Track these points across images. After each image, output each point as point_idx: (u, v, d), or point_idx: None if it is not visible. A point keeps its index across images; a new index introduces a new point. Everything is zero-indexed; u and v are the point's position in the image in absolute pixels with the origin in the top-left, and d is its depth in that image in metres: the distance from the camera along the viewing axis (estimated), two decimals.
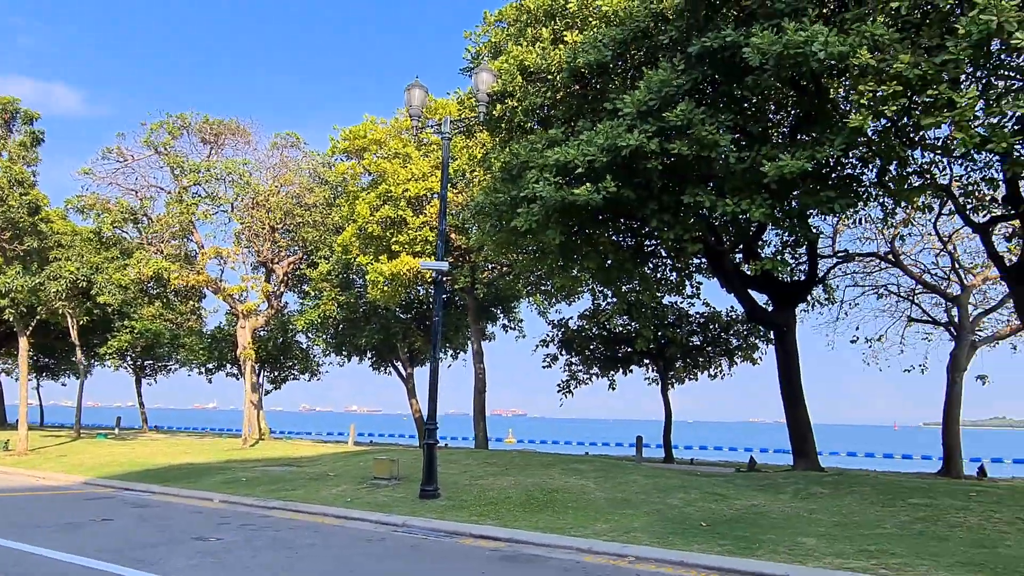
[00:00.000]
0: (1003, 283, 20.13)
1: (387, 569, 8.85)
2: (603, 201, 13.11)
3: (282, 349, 34.02)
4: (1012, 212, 15.29)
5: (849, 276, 23.97)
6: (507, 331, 30.64)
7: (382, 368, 33.13)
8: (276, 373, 35.99)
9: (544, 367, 26.28)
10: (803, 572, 8.54)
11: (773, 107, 16.75)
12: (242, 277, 26.33)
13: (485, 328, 29.52)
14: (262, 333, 31.21)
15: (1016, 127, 11.61)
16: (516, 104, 15.31)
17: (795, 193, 13.31)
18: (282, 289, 28.77)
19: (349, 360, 32.91)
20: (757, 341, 24.11)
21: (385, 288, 22.12)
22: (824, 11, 13.30)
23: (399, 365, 32.07)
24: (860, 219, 18.06)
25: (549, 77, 14.87)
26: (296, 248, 28.15)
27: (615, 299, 22.53)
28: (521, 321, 30.31)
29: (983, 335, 22.97)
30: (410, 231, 21.89)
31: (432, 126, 18.67)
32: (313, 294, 29.21)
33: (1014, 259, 17.35)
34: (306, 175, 27.18)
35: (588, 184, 12.97)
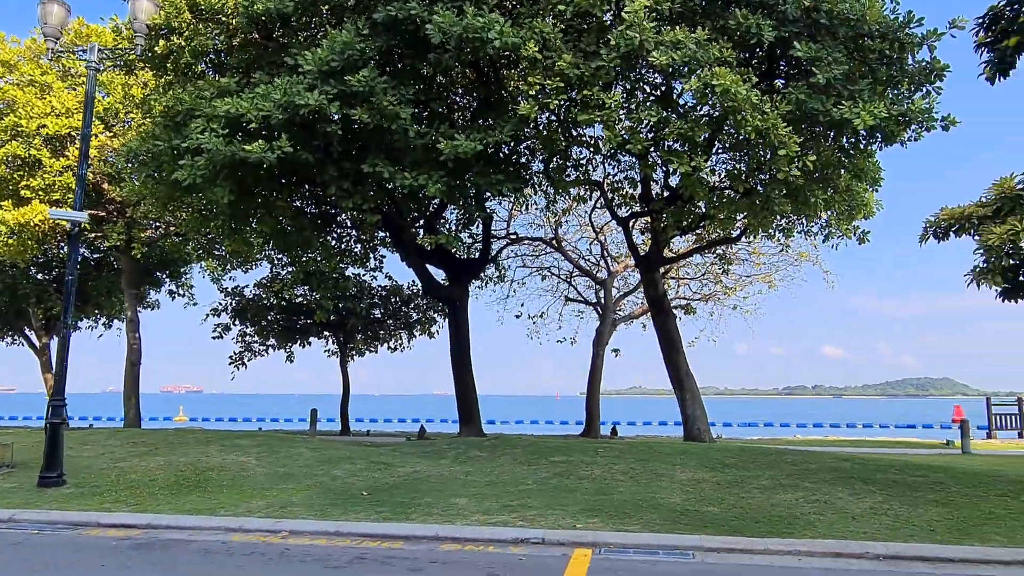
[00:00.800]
0: (637, 270, 23.52)
1: None
2: (278, 161, 12.37)
3: None
4: (646, 209, 17.88)
5: (519, 258, 26.16)
6: (175, 298, 27.72)
7: (8, 337, 27.79)
8: None
9: (214, 337, 24.36)
10: (451, 530, 8.97)
11: (461, 91, 17.37)
12: None
13: (146, 294, 26.40)
14: None
15: (650, 134, 13.48)
16: (184, 43, 13.70)
17: (470, 173, 13.91)
18: None
19: None
20: (435, 315, 25.06)
21: (10, 241, 18.41)
22: (504, 2, 14.06)
23: (31, 334, 27.17)
24: (529, 205, 19.65)
25: (224, 19, 13.56)
26: None
27: (295, 267, 21.68)
28: (191, 287, 27.65)
29: (622, 314, 26.72)
30: (47, 175, 18.48)
31: (80, 52, 15.89)
32: None
33: (647, 250, 20.40)
34: None
35: (262, 141, 12.11)
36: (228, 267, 24.48)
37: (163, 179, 13.83)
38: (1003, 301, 11.29)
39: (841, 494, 10.45)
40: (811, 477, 11.43)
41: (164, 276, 26.36)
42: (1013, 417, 27.04)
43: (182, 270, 27.00)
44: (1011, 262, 9.70)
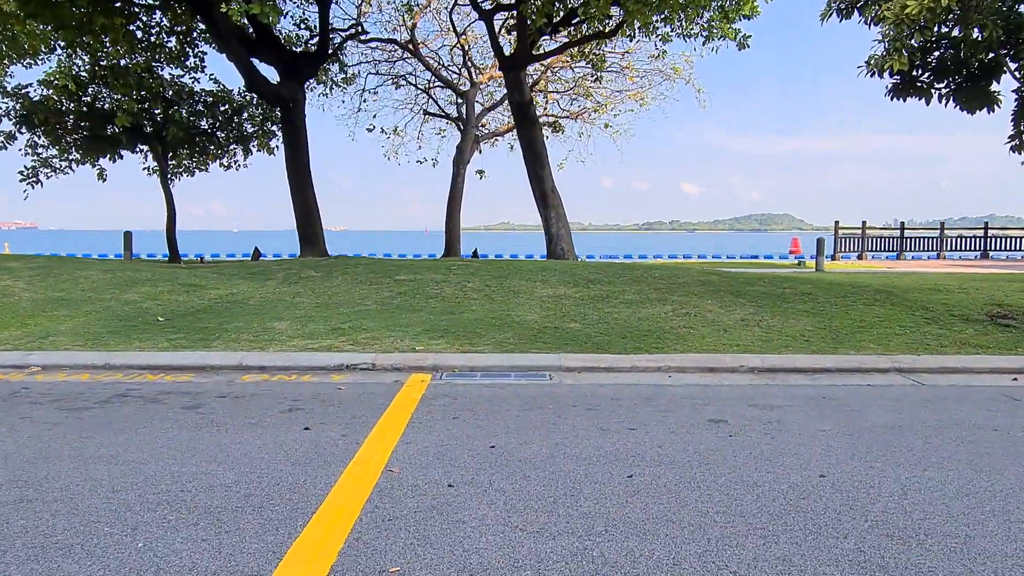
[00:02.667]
0: (503, 82, 21.23)
1: None
2: None
3: None
4: (512, 2, 15.40)
5: (371, 63, 22.94)
6: None
7: None
8: None
9: None
10: (259, 358, 7.23)
11: None
12: None
13: None
14: None
15: None
16: None
17: None
18: None
19: None
20: (275, 127, 21.81)
21: None
22: None
23: None
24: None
25: None
26: None
27: (90, 60, 17.68)
28: None
29: (485, 131, 24.61)
30: None
31: None
32: None
33: (513, 51, 18.06)
34: None
35: None
36: (4, 62, 19.76)
37: None
38: (892, 99, 10.32)
39: (711, 307, 9.58)
40: (679, 291, 10.51)
41: None
42: (856, 240, 28.35)
43: None
44: (918, 42, 8.45)
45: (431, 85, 23.82)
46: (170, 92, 19.74)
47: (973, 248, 29.26)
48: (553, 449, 4.41)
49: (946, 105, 10.04)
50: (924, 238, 29.13)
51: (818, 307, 9.67)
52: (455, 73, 23.69)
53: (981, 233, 29.40)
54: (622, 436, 4.71)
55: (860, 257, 28.01)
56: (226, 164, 22.82)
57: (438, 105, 24.51)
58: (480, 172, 24.56)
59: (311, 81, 19.17)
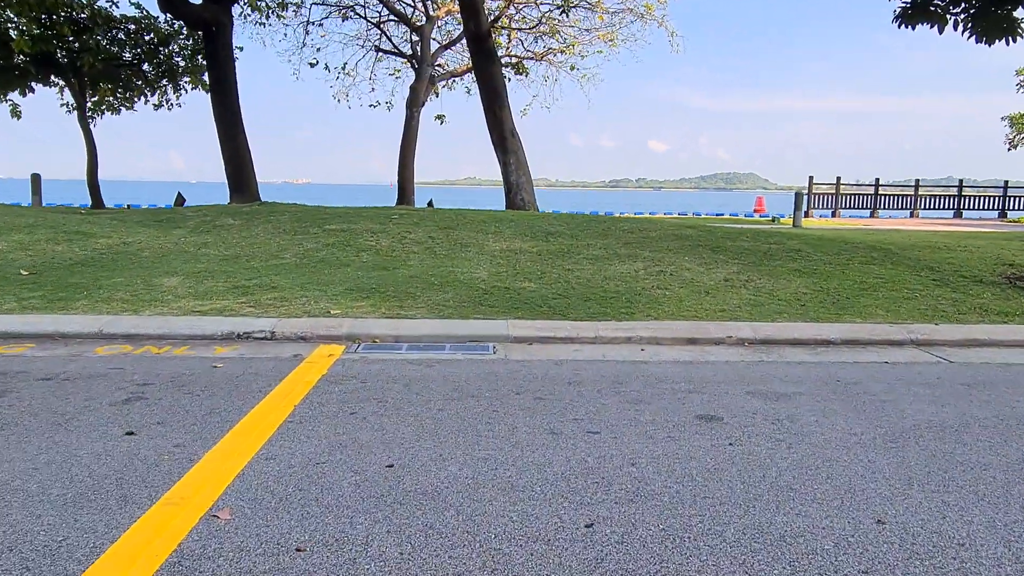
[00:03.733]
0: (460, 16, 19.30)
1: None
2: None
3: None
4: None
5: None
6: None
7: None
8: None
9: None
10: (127, 324, 5.71)
11: None
12: None
13: None
14: None
15: None
16: None
17: None
18: None
19: None
20: (206, 62, 19.60)
21: None
22: None
23: None
24: None
25: None
26: None
27: None
28: None
29: (442, 71, 22.69)
30: None
31: None
32: None
33: None
34: None
35: None
36: None
37: None
38: (900, 26, 8.96)
39: (688, 264, 8.23)
40: (652, 246, 9.14)
41: None
42: (829, 197, 27.31)
43: None
44: None
45: (383, 19, 21.74)
46: (84, 16, 17.45)
47: (946, 207, 28.48)
48: (477, 471, 3.00)
49: (962, 33, 8.71)
50: (898, 196, 28.24)
51: (810, 266, 8.38)
52: (409, 6, 21.63)
53: (955, 192, 28.61)
54: (580, 445, 3.33)
55: (834, 214, 27.02)
56: (156, 102, 20.65)
57: (391, 42, 22.46)
58: (440, 117, 22.69)
59: (244, 6, 17.08)
